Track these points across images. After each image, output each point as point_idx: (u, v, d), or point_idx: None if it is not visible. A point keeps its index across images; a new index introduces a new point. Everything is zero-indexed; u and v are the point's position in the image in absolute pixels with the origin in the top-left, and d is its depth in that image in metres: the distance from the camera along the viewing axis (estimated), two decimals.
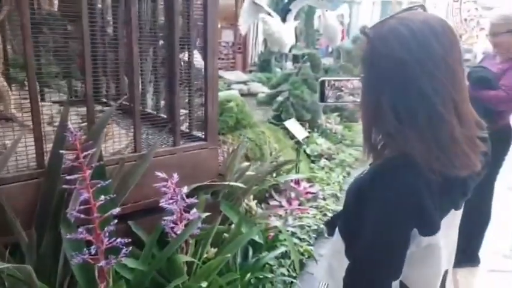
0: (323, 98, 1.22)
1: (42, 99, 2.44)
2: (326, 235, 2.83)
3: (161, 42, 2.18)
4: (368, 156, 0.89)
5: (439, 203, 0.80)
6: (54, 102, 2.16)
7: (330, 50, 13.24)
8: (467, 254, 2.73)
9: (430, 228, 0.80)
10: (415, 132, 0.77)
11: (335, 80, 1.23)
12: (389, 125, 0.80)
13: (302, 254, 2.51)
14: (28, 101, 1.53)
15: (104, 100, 2.61)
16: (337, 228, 1.02)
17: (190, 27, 1.92)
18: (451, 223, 0.89)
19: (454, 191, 0.85)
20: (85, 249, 1.43)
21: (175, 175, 1.60)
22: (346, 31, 12.36)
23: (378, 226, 0.80)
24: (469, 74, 2.52)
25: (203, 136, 1.98)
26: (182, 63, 2.14)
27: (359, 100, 1.16)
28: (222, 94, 3.24)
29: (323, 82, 1.22)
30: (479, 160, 0.81)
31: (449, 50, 0.78)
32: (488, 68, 2.49)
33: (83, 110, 1.92)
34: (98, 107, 2.21)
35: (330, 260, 1.05)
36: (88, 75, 1.56)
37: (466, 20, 16.01)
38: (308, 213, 2.92)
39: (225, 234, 2.08)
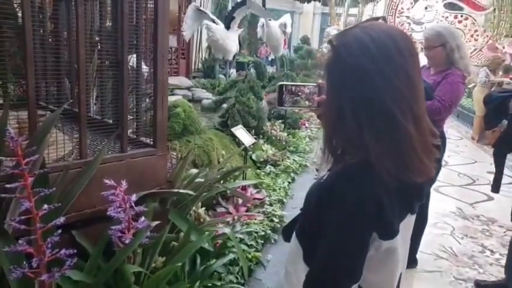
0: (281, 102, 1.25)
1: None
2: (272, 241, 2.89)
3: (105, 45, 2.12)
4: (328, 161, 0.92)
5: (397, 208, 0.84)
6: None
7: (270, 59, 13.55)
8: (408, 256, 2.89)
9: (389, 232, 0.84)
10: (374, 139, 0.80)
11: (292, 85, 1.27)
12: (349, 131, 0.83)
13: (250, 261, 2.53)
14: None
15: (44, 104, 2.46)
16: (294, 234, 1.04)
17: (138, 31, 1.88)
18: (407, 227, 0.93)
19: (410, 196, 0.89)
20: (24, 262, 1.34)
21: (124, 182, 1.55)
22: (288, 40, 12.69)
23: (338, 231, 0.82)
24: None
25: (151, 142, 1.94)
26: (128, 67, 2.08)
27: (314, 105, 1.21)
28: (169, 99, 3.18)
29: (281, 86, 1.25)
30: (434, 167, 0.87)
31: (409, 61, 0.82)
32: (424, 80, 2.67)
33: (19, 114, 1.81)
34: (38, 111, 2.08)
35: (286, 265, 1.06)
36: (29, 76, 1.48)
37: None
38: (255, 219, 2.95)
39: (174, 243, 2.04)
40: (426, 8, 16.28)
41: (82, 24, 1.56)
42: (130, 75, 1.97)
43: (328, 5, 19.16)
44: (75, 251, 1.38)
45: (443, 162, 6.03)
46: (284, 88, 1.25)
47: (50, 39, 2.34)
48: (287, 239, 1.13)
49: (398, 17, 17.12)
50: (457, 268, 3.20)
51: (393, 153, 0.81)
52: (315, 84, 1.30)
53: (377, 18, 1.05)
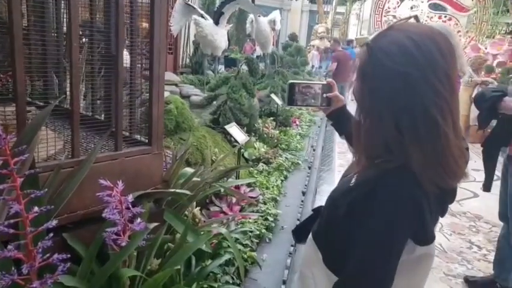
0: (291, 101, 1.20)
1: None
2: (267, 240, 2.84)
3: (97, 38, 2.02)
4: (360, 166, 0.87)
5: (434, 213, 0.83)
6: None
7: (255, 55, 13.53)
8: None
9: (427, 237, 0.83)
10: (415, 145, 0.78)
11: (303, 84, 1.22)
12: (388, 136, 0.80)
13: (246, 260, 2.48)
14: None
15: (29, 99, 2.35)
16: (310, 237, 1.00)
17: (133, 24, 1.80)
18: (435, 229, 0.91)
19: (446, 200, 0.88)
20: (13, 268, 1.25)
21: (120, 183, 1.47)
22: (277, 37, 12.62)
23: (376, 238, 0.79)
24: None
25: (147, 140, 1.86)
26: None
27: (324, 104, 1.18)
28: None
29: (292, 85, 1.20)
30: (466, 168, 0.85)
31: (450, 64, 0.79)
32: None
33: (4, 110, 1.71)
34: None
35: (302, 268, 1.03)
36: (18, 71, 1.38)
37: None
38: (250, 218, 2.89)
39: (169, 244, 1.97)
40: (411, 7, 16.47)
41: (75, 15, 1.47)
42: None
43: (316, 2, 19.22)
44: (68, 255, 1.30)
45: None
46: (295, 87, 1.20)
47: (34, 33, 2.23)
48: (299, 240, 1.10)
49: (384, 16, 17.30)
50: (447, 264, 3.26)
51: (432, 158, 0.78)
52: (324, 82, 1.26)
53: (410, 18, 1.00)
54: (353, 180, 0.88)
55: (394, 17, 16.74)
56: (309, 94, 1.22)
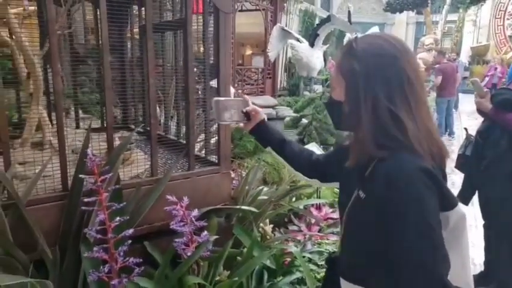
0: (220, 117, 1.26)
1: (78, 127, 2.65)
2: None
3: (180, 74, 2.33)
4: (359, 159, 0.94)
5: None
6: (86, 129, 2.33)
7: None
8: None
9: (452, 199, 0.89)
10: (410, 119, 0.88)
11: (226, 100, 1.29)
12: (385, 120, 0.88)
13: (319, 281, 2.50)
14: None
15: (132, 126, 2.77)
16: (346, 283, 1.01)
17: (205, 57, 2.04)
18: None
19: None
20: (101, 267, 1.53)
21: (186, 198, 1.68)
22: None
23: (415, 220, 0.82)
24: (493, 96, 2.45)
25: (216, 161, 2.07)
26: (200, 91, 2.27)
27: (245, 119, 1.27)
28: None
29: (216, 102, 1.25)
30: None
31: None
32: None
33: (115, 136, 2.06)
34: (126, 133, 2.36)
35: None
36: (108, 104, 1.70)
37: (510, 37, 15.60)
38: (328, 239, 2.90)
39: (238, 258, 2.12)
40: None
41: (151, 56, 1.76)
42: (200, 98, 2.15)
43: (423, 13, 18.22)
44: (141, 260, 1.54)
45: None
46: (219, 104, 1.25)
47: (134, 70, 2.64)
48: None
49: (507, 19, 15.72)
50: None
51: (424, 132, 0.89)
52: (241, 98, 1.31)
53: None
54: (361, 193, 0.93)
55: None
56: (232, 110, 1.26)
